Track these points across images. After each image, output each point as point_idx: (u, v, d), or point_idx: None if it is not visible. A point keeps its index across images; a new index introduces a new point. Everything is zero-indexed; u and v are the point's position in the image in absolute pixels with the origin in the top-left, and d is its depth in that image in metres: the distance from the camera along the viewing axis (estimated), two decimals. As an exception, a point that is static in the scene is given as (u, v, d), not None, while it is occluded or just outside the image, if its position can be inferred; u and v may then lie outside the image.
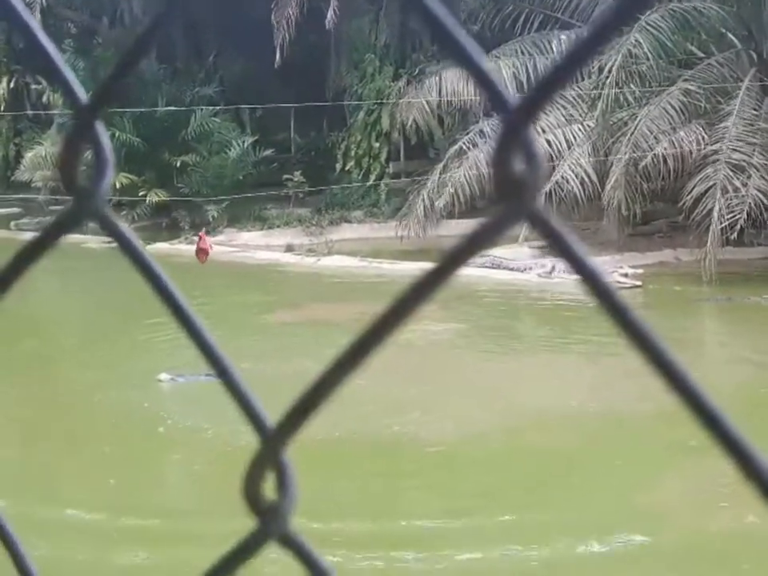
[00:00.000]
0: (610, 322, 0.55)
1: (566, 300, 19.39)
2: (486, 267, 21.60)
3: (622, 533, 9.06)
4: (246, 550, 0.67)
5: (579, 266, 0.56)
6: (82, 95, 0.74)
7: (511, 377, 14.12)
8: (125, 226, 0.72)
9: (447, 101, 25.84)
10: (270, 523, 0.67)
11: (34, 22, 0.76)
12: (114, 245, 0.73)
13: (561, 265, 21.02)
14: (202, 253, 13.65)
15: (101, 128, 0.72)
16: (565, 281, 20.40)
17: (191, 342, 0.70)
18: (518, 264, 21.63)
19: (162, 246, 25.17)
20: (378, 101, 28.51)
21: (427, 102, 26.00)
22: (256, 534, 0.67)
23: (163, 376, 13.65)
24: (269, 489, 0.67)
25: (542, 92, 0.55)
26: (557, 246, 0.55)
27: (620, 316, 0.55)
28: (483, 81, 0.57)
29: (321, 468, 10.20)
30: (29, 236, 0.73)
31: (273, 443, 0.66)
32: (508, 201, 0.55)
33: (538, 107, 0.56)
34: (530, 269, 21.33)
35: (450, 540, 8.94)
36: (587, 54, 0.55)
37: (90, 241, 26.57)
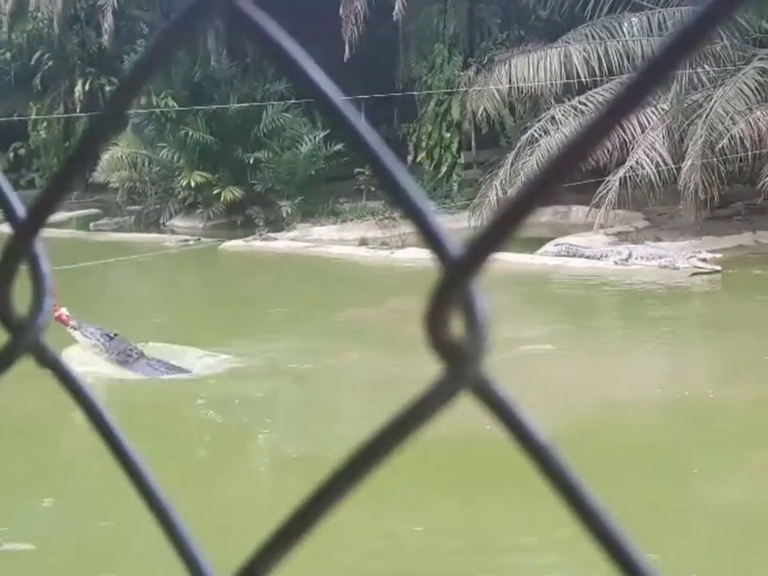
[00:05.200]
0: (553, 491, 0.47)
1: (643, 287, 19.11)
2: (562, 256, 21.38)
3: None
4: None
5: (532, 443, 0.49)
6: (20, 211, 0.68)
7: (590, 366, 13.93)
8: (65, 361, 0.66)
9: (518, 88, 25.57)
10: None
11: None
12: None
13: (638, 251, 20.82)
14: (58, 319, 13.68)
15: (40, 248, 0.66)
16: (642, 268, 20.12)
17: (132, 484, 0.64)
18: (593, 251, 21.34)
19: (236, 244, 25.31)
20: (448, 90, 28.35)
21: (497, 90, 25.75)
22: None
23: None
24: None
25: (491, 239, 0.48)
26: (506, 421, 0.48)
27: (570, 493, 0.47)
28: (421, 223, 0.50)
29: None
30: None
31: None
32: (448, 367, 0.48)
33: (486, 257, 0.48)
34: (606, 256, 21.03)
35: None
36: (546, 187, 0.48)
37: (167, 240, 26.98)
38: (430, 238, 0.50)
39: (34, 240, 0.66)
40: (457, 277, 0.48)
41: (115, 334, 13.82)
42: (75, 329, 13.67)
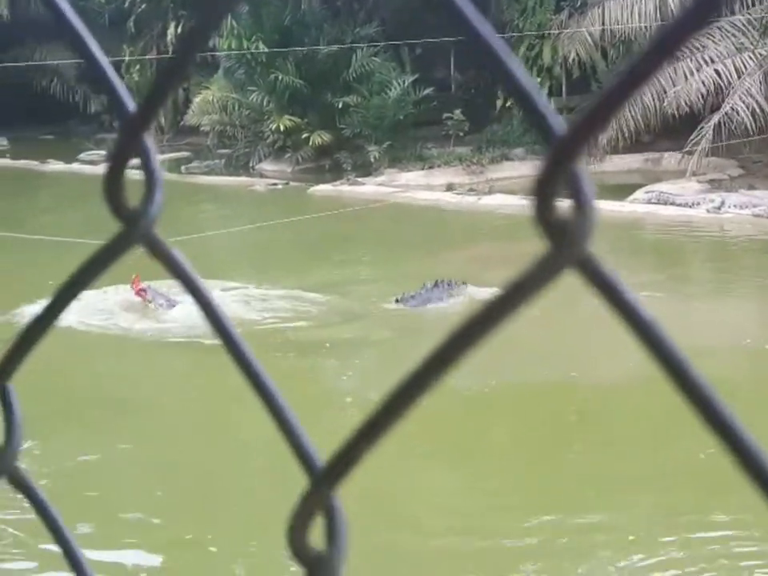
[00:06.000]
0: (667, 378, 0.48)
1: (736, 236, 18.77)
2: (653, 203, 21.07)
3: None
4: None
5: (637, 321, 0.49)
6: (130, 104, 0.69)
7: (680, 315, 13.75)
8: (177, 252, 0.68)
9: (611, 31, 25.10)
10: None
11: (84, 30, 0.72)
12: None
13: (731, 199, 20.42)
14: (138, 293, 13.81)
15: (149, 141, 0.68)
16: (735, 216, 19.74)
17: (241, 372, 0.66)
18: (685, 199, 20.97)
19: (324, 188, 25.39)
20: (539, 34, 27.94)
21: (590, 33, 25.33)
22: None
23: None
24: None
25: (596, 118, 0.48)
26: (610, 298, 0.48)
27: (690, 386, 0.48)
28: (525, 100, 0.50)
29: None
30: (93, 251, 0.70)
31: (323, 484, 0.61)
32: (553, 245, 0.49)
33: (592, 135, 0.48)
34: (698, 204, 20.65)
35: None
36: (649, 71, 0.48)
37: (256, 184, 27.17)
38: (536, 117, 0.50)
39: (144, 134, 0.68)
40: (563, 155, 0.48)
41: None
42: (150, 301, 13.92)
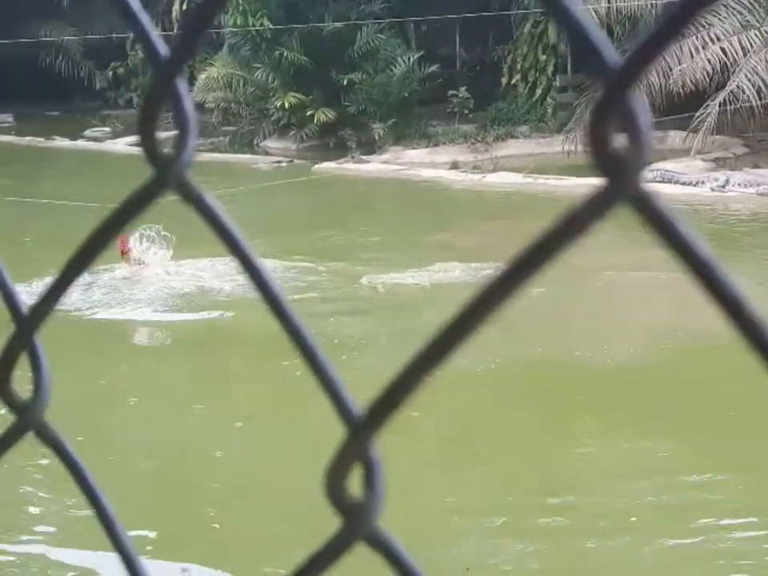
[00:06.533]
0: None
1: (740, 215, 18.73)
2: (657, 181, 21.00)
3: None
4: (332, 551, 0.62)
5: (693, 258, 0.48)
6: (162, 49, 0.68)
7: (680, 298, 13.73)
8: (210, 198, 0.67)
9: (616, 9, 24.99)
10: (357, 522, 0.62)
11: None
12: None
13: (735, 178, 20.37)
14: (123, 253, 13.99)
15: (183, 86, 0.67)
16: (740, 195, 19.69)
17: (280, 324, 0.65)
18: (689, 178, 20.91)
19: (329, 165, 25.33)
20: (545, 11, 27.79)
21: (595, 11, 25.19)
22: (342, 535, 0.62)
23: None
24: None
25: (649, 50, 0.47)
26: (666, 234, 0.47)
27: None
28: (580, 34, 0.49)
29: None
30: (113, 208, 0.69)
31: (361, 434, 0.61)
32: (607, 179, 0.48)
33: (645, 68, 0.48)
34: (703, 183, 20.59)
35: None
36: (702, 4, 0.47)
37: (260, 161, 27.13)
38: (590, 50, 0.49)
39: (177, 78, 0.67)
40: (617, 87, 0.47)
41: None
42: (138, 263, 14.09)
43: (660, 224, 0.48)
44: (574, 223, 0.49)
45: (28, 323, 0.78)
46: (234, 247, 0.67)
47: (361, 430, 0.61)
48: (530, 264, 0.51)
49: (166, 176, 0.67)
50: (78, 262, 0.72)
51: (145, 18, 0.69)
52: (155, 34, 0.69)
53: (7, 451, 0.81)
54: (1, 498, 8.05)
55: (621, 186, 0.48)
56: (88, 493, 0.80)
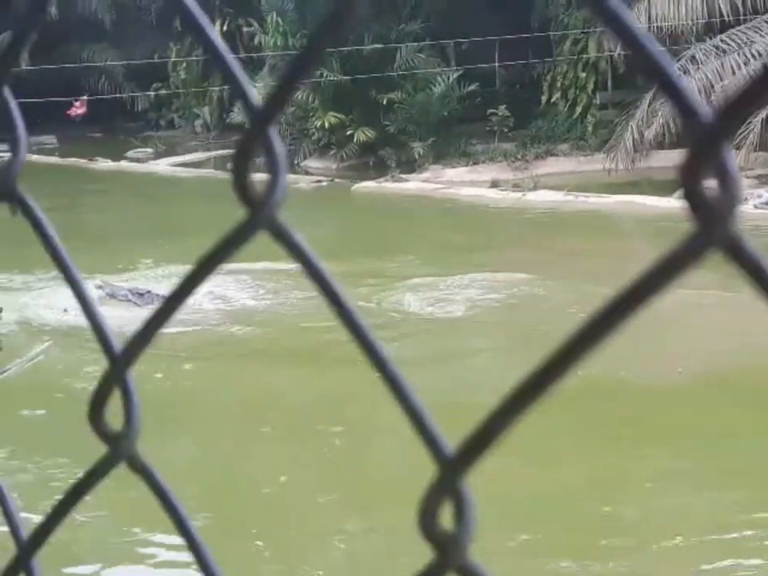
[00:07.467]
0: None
1: (784, 232, 18.57)
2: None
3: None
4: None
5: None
6: (256, 100, 0.72)
7: (728, 314, 13.62)
8: (301, 238, 0.70)
9: (656, 27, 24.91)
10: (449, 555, 0.64)
11: (211, 28, 0.74)
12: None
13: (780, 195, 20.19)
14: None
15: (274, 134, 0.70)
16: (784, 212, 19.56)
17: (371, 363, 0.68)
18: (732, 195, 20.76)
19: (368, 185, 25.43)
20: (585, 29, 27.79)
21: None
22: (435, 566, 0.65)
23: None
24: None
25: (740, 105, 0.49)
26: (758, 280, 0.50)
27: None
28: (673, 90, 0.52)
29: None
30: (206, 250, 0.72)
31: (452, 471, 0.63)
32: (700, 225, 0.50)
33: (736, 121, 0.50)
34: (746, 200, 20.46)
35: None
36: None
37: (301, 181, 27.26)
38: (681, 104, 0.51)
39: (269, 126, 0.70)
40: (710, 140, 0.50)
41: (147, 291, 14.29)
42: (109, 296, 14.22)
43: (751, 270, 0.50)
44: (668, 269, 0.51)
45: (121, 362, 0.81)
46: (323, 286, 0.69)
47: (453, 467, 0.63)
48: (624, 309, 0.53)
49: (259, 216, 0.70)
50: (172, 302, 0.75)
51: (240, 71, 0.72)
52: (248, 85, 0.72)
53: (101, 481, 0.84)
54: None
55: (713, 230, 0.50)
56: (178, 522, 0.83)
